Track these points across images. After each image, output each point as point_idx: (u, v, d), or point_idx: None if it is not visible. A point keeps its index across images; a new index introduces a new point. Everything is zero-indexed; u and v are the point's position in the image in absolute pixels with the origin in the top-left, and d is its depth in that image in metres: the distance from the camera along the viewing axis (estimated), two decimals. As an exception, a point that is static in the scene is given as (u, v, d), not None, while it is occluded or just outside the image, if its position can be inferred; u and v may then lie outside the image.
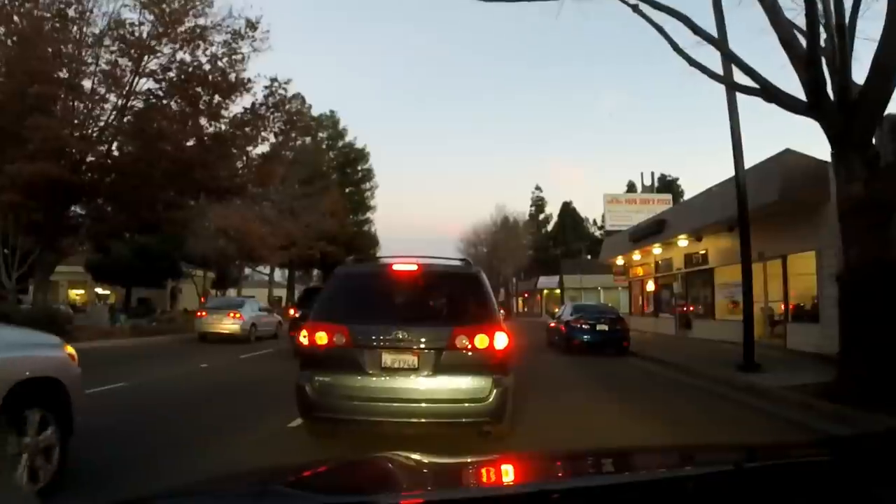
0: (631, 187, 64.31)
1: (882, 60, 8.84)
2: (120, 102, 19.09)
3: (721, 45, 11.66)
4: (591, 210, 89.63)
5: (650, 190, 45.35)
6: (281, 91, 20.78)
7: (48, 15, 17.94)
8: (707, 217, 19.60)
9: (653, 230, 25.65)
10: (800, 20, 10.30)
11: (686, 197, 39.75)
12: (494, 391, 5.81)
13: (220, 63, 19.46)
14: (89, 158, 18.98)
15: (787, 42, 9.88)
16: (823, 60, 9.70)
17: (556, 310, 26.80)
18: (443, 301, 6.72)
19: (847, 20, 9.48)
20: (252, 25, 19.34)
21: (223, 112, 20.37)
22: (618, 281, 36.48)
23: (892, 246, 9.01)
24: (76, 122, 17.98)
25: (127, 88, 18.82)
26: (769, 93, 10.23)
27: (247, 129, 20.88)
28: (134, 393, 10.07)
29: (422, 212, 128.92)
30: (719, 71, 12.06)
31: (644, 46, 56.66)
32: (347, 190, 52.23)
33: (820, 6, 9.52)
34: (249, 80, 20.11)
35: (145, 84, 19.35)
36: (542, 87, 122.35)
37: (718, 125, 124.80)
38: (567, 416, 8.47)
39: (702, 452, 2.58)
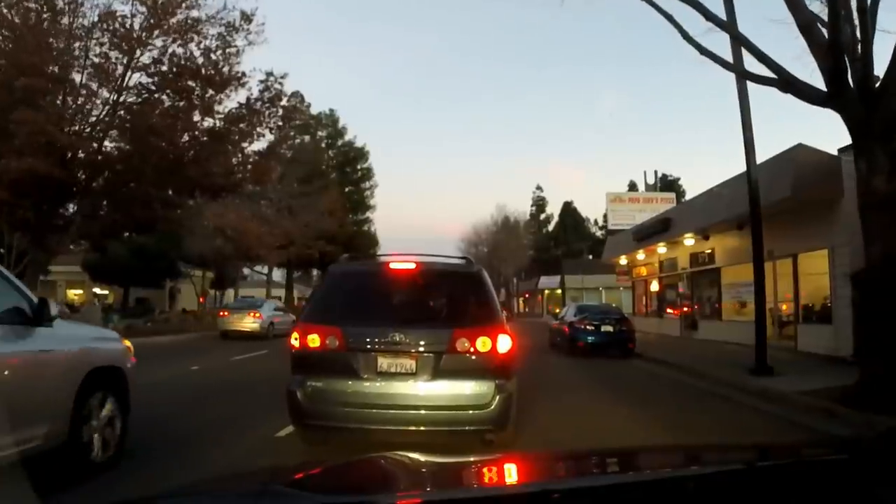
0: (632, 187, 63.89)
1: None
2: (112, 97, 18.65)
3: (734, 31, 11.16)
4: (592, 210, 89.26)
5: (652, 189, 44.84)
6: (277, 86, 20.37)
7: (36, 6, 17.49)
8: (715, 215, 19.12)
9: (657, 229, 25.17)
10: (814, 6, 9.87)
11: (688, 197, 39.28)
12: (497, 397, 5.51)
13: (213, 56, 19.02)
14: (80, 154, 18.53)
15: (806, 27, 9.38)
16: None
17: (559, 310, 26.33)
18: (442, 301, 6.42)
19: (869, 2, 8.97)
20: (247, 18, 18.95)
21: (217, 107, 19.95)
22: (621, 281, 35.97)
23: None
24: (66, 116, 17.52)
25: (118, 83, 18.37)
26: (785, 82, 9.73)
27: (241, 124, 20.42)
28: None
29: (422, 212, 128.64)
30: (729, 62, 11.58)
31: (644, 47, 56.31)
32: (347, 189, 51.76)
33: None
34: (244, 73, 19.72)
35: (137, 78, 18.93)
36: (543, 86, 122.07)
37: (719, 125, 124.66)
38: (574, 424, 8.05)
39: (704, 452, 2.58)
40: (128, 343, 6.08)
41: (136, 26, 17.98)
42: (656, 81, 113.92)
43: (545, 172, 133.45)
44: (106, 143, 19.43)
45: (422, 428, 5.54)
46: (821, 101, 9.51)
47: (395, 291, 6.39)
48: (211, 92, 19.51)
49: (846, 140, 14.67)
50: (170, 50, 18.58)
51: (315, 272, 52.35)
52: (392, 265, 6.40)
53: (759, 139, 12.85)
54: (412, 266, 6.27)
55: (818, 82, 9.68)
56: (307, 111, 42.38)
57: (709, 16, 10.51)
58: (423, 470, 1.92)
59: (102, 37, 17.96)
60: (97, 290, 43.25)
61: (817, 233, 15.34)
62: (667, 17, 10.89)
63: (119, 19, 17.72)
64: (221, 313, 24.97)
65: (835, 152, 15.81)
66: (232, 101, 20.34)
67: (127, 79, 18.58)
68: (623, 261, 32.24)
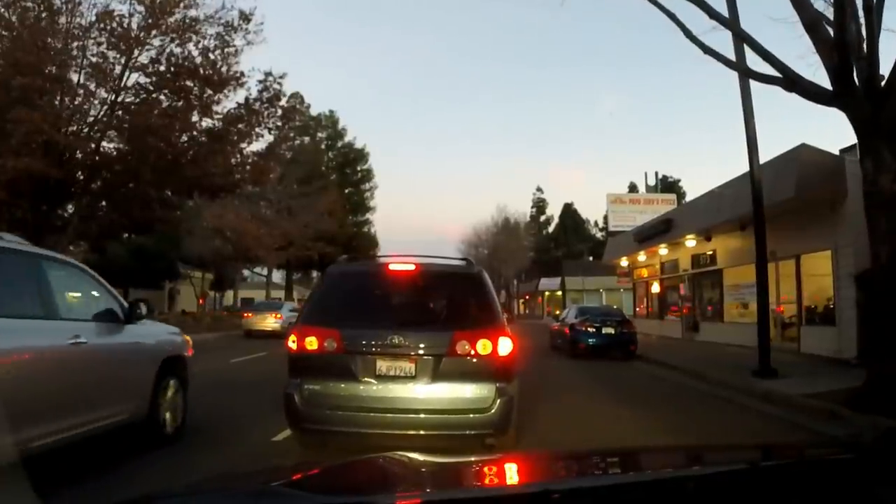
0: (633, 188, 63.81)
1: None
2: (109, 97, 18.54)
3: (738, 29, 11.05)
4: (592, 211, 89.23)
5: (653, 190, 44.68)
6: (275, 86, 20.27)
7: (33, 5, 17.40)
8: (718, 216, 18.99)
9: (659, 230, 25.03)
10: (818, 4, 9.75)
11: (688, 198, 39.20)
12: (498, 401, 5.42)
13: (212, 56, 18.93)
14: (77, 155, 18.41)
15: (812, 25, 9.26)
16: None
17: (559, 312, 26.19)
18: (442, 303, 6.35)
19: (875, 0, 8.85)
20: (245, 17, 18.87)
21: (215, 107, 19.85)
22: (622, 282, 35.84)
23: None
24: (63, 116, 17.41)
25: (116, 83, 18.26)
26: (790, 80, 9.60)
27: (240, 125, 20.31)
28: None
29: (422, 213, 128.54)
30: (733, 61, 11.46)
31: (645, 47, 56.23)
32: (347, 190, 51.73)
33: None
34: (242, 73, 19.62)
35: (135, 78, 18.82)
36: (543, 87, 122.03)
37: (720, 127, 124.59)
38: (575, 427, 7.95)
39: (705, 452, 2.58)
40: (187, 337, 7.35)
41: (134, 26, 17.91)
42: (656, 82, 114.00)
43: (545, 174, 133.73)
44: (104, 143, 19.36)
45: (421, 432, 5.45)
46: (826, 99, 9.39)
47: (395, 293, 6.32)
48: (209, 92, 19.42)
49: (848, 140, 14.53)
50: (168, 50, 18.53)
51: (315, 273, 52.24)
52: (391, 266, 6.32)
53: (761, 139, 12.77)
54: (412, 267, 6.18)
55: (822, 81, 9.59)
56: (306, 112, 42.43)
57: (712, 14, 10.39)
58: (423, 470, 1.92)
59: (100, 36, 17.88)
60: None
61: (820, 233, 15.22)
62: (669, 16, 10.78)
63: (117, 19, 17.64)
64: (246, 315, 27.50)
65: (837, 152, 15.80)
66: (230, 101, 20.32)
67: (125, 79, 18.51)
68: (624, 262, 32.11)
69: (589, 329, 18.00)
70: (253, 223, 31.28)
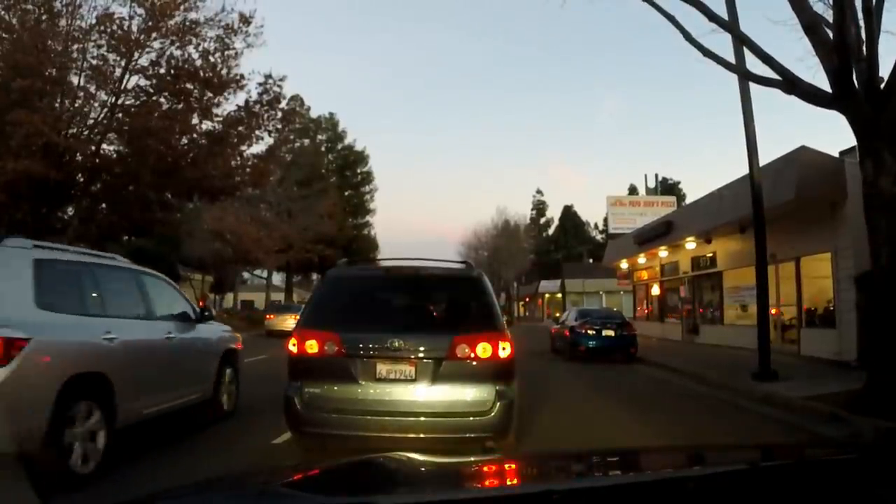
0: (633, 190, 63.89)
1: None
2: (109, 100, 18.53)
3: (737, 32, 11.06)
4: (592, 213, 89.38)
5: (653, 193, 44.69)
6: (275, 88, 20.23)
7: (34, 7, 17.39)
8: (718, 218, 18.99)
9: (659, 232, 25.02)
10: (817, 7, 9.77)
11: (688, 200, 39.17)
12: (498, 404, 5.43)
13: (212, 58, 18.88)
14: (77, 157, 18.39)
15: (811, 28, 9.26)
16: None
17: (559, 314, 26.18)
18: (442, 306, 6.41)
19: (874, 2, 8.85)
20: (245, 20, 18.81)
21: (215, 109, 19.81)
22: (622, 285, 35.82)
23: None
24: (63, 118, 17.38)
25: (116, 85, 18.24)
26: (789, 83, 9.60)
27: (240, 127, 20.28)
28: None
29: (422, 215, 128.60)
30: (732, 64, 11.47)
31: (645, 50, 56.25)
32: (346, 193, 51.68)
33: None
34: (242, 76, 19.57)
35: (135, 81, 18.79)
36: (543, 90, 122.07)
37: (719, 129, 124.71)
38: (575, 429, 7.96)
39: (704, 453, 2.57)
40: (237, 335, 9.13)
41: (134, 28, 17.85)
42: (656, 84, 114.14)
43: (545, 176, 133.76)
44: (104, 145, 19.29)
45: (421, 435, 5.44)
46: (826, 102, 9.39)
47: (395, 296, 6.34)
48: (209, 94, 19.37)
49: (847, 142, 14.53)
50: (168, 52, 18.46)
51: (314, 276, 52.23)
52: (391, 270, 6.39)
53: (760, 141, 12.77)
54: (411, 271, 6.20)
55: (821, 83, 9.60)
56: (306, 114, 42.38)
57: (711, 16, 10.40)
58: (423, 470, 1.93)
59: (100, 39, 17.83)
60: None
61: (820, 236, 15.22)
62: (669, 19, 10.79)
63: (117, 21, 17.59)
64: (269, 316, 30.05)
65: (837, 154, 15.80)
66: (230, 103, 20.23)
67: (125, 81, 18.45)
68: (624, 264, 32.09)
69: (589, 331, 17.97)
70: (253, 226, 31.31)
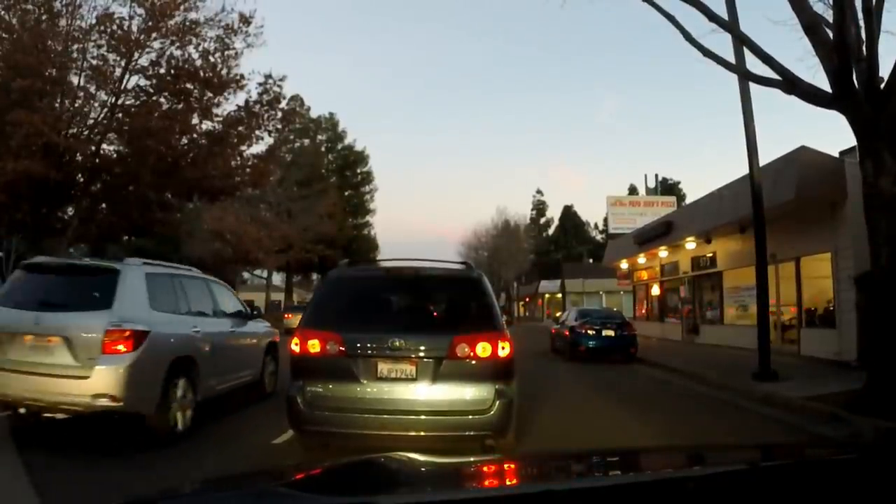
0: (633, 190, 63.87)
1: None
2: (109, 100, 18.53)
3: (737, 32, 11.06)
4: (592, 213, 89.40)
5: (653, 193, 44.65)
6: (275, 88, 20.23)
7: (34, 7, 17.40)
8: (718, 218, 18.98)
9: (659, 232, 25.00)
10: (817, 7, 9.77)
11: (688, 200, 39.14)
12: (497, 403, 5.50)
13: (212, 58, 18.89)
14: (77, 157, 18.39)
15: (811, 28, 9.25)
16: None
17: (559, 314, 26.15)
18: (442, 307, 6.47)
19: (874, 2, 8.85)
20: (245, 20, 18.82)
21: (215, 109, 19.82)
22: (622, 285, 35.79)
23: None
24: (63, 118, 17.38)
25: (116, 85, 18.24)
26: (789, 83, 9.60)
27: (240, 127, 20.28)
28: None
29: (422, 215, 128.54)
30: (732, 63, 11.47)
31: (645, 50, 56.26)
32: (346, 193, 51.71)
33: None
34: (242, 76, 19.58)
35: (135, 81, 18.79)
36: (543, 90, 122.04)
37: (719, 129, 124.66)
38: (575, 430, 7.95)
39: (704, 453, 2.58)
40: (276, 329, 10.87)
41: (134, 28, 17.87)
42: (656, 84, 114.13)
43: (545, 176, 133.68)
44: (104, 145, 19.29)
45: (422, 433, 5.50)
46: (826, 102, 9.39)
47: (395, 297, 6.42)
48: (209, 94, 19.38)
49: (847, 142, 14.52)
50: (168, 52, 18.48)
51: (314, 276, 52.20)
52: (392, 270, 6.49)
53: (760, 141, 12.76)
54: (412, 271, 6.26)
55: (821, 83, 9.60)
56: (306, 114, 42.39)
57: (711, 16, 10.40)
58: (423, 470, 1.93)
59: (100, 39, 17.84)
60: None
61: (820, 236, 15.22)
62: (669, 19, 10.79)
63: (117, 21, 17.60)
64: (286, 316, 30.74)
65: (837, 154, 15.80)
66: (230, 103, 20.24)
67: (125, 81, 18.47)
68: (624, 265, 32.06)
69: (589, 331, 17.96)
70: (253, 226, 31.32)
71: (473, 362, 5.55)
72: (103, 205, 21.45)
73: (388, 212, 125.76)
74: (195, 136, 20.16)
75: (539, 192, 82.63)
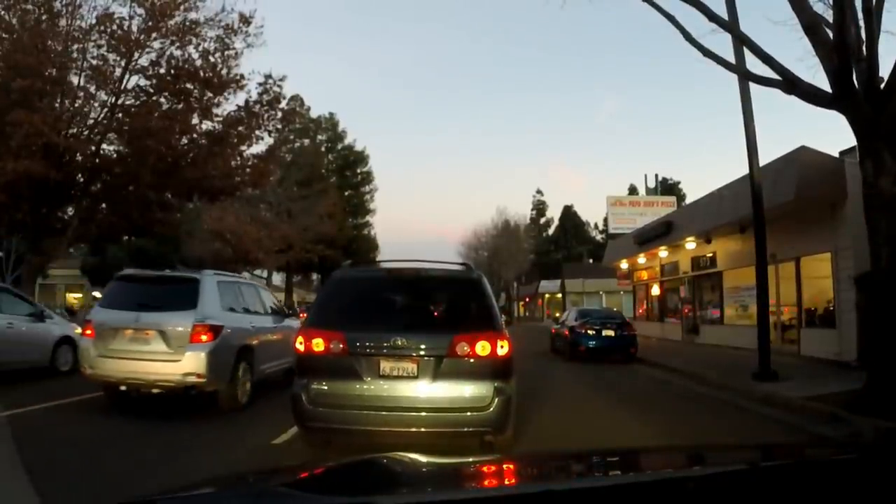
0: (633, 190, 63.86)
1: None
2: (109, 100, 18.49)
3: (737, 32, 11.06)
4: (592, 214, 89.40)
5: (653, 193, 44.66)
6: (275, 88, 20.17)
7: (34, 7, 17.37)
8: (718, 218, 18.99)
9: (659, 232, 25.01)
10: (817, 7, 9.77)
11: (688, 200, 39.13)
12: (496, 400, 5.64)
13: (212, 58, 18.83)
14: (77, 157, 18.36)
15: (811, 28, 9.26)
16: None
17: (559, 314, 26.15)
18: (443, 307, 6.58)
19: (874, 2, 8.85)
20: (245, 20, 18.73)
21: (215, 109, 19.75)
22: (622, 285, 35.79)
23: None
24: (63, 118, 17.34)
25: (116, 85, 18.20)
26: (789, 83, 9.60)
27: (240, 127, 20.22)
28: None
29: (422, 215, 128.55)
30: (732, 63, 11.46)
31: (645, 50, 56.24)
32: (346, 193, 51.70)
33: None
34: (242, 76, 19.50)
35: (135, 81, 18.74)
36: (543, 90, 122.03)
37: (719, 129, 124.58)
38: (576, 430, 7.96)
39: (704, 453, 2.58)
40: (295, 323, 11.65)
41: (134, 28, 17.78)
42: (656, 84, 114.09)
43: (545, 176, 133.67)
44: (104, 145, 19.20)
45: (423, 429, 5.62)
46: (826, 102, 9.39)
47: (397, 297, 6.56)
48: (209, 94, 19.29)
49: (847, 142, 14.52)
50: (168, 52, 18.36)
51: (315, 276, 52.18)
52: (393, 271, 6.65)
53: (760, 142, 12.77)
54: (413, 272, 6.40)
55: (821, 83, 9.61)
56: (306, 114, 42.37)
57: (712, 16, 10.41)
58: (423, 470, 1.93)
59: (100, 39, 17.75)
60: (97, 294, 43.14)
61: (820, 236, 15.22)
62: (669, 19, 10.80)
63: (117, 21, 17.53)
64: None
65: (837, 154, 15.80)
66: (230, 103, 20.15)
67: (125, 81, 18.38)
68: (624, 265, 32.07)
69: (589, 331, 17.97)
70: (253, 226, 31.31)
71: (473, 361, 5.66)
72: (103, 205, 21.39)
73: (388, 212, 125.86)
74: (195, 136, 20.09)
75: (539, 192, 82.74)
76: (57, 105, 17.60)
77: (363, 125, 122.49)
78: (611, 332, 17.94)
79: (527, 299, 74.64)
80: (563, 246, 75.49)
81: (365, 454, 2.00)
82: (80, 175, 19.36)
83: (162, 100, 19.21)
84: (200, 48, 18.88)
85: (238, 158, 21.66)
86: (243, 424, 7.77)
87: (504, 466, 2.12)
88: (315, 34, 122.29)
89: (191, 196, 22.82)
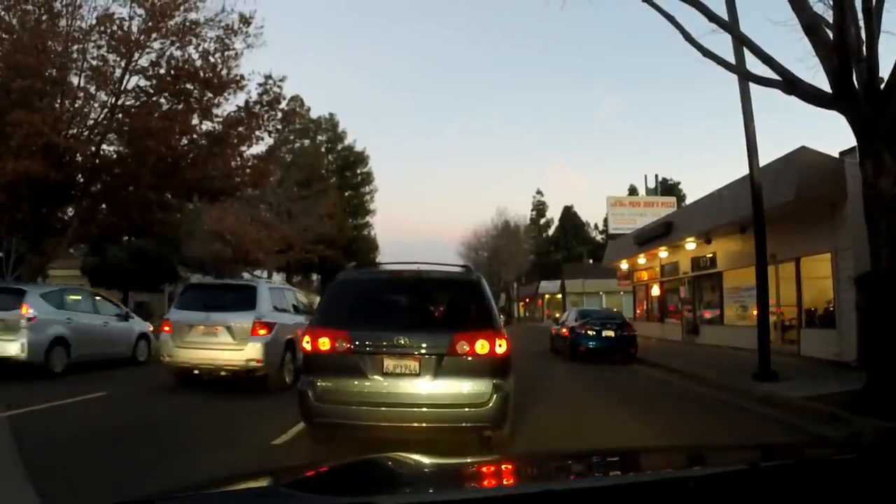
0: (633, 191, 63.84)
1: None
2: (109, 100, 18.48)
3: (737, 32, 11.06)
4: (592, 214, 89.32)
5: (653, 193, 44.67)
6: (276, 89, 20.14)
7: (34, 8, 17.37)
8: (718, 218, 18.99)
9: (659, 233, 25.01)
10: (817, 7, 9.77)
11: (688, 201, 39.14)
12: (495, 396, 5.85)
13: (212, 59, 18.81)
14: (77, 157, 18.35)
15: (811, 28, 9.25)
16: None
17: (559, 315, 26.15)
18: (443, 307, 6.80)
19: (874, 2, 8.85)
20: (245, 20, 18.70)
21: (215, 110, 19.73)
22: (622, 285, 35.80)
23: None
24: (63, 119, 17.34)
25: (116, 85, 18.20)
26: (789, 83, 9.60)
27: (240, 128, 20.21)
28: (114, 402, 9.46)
29: (422, 216, 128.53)
30: (732, 64, 11.46)
31: (644, 50, 56.23)
32: (346, 193, 51.64)
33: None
34: (242, 76, 19.48)
35: (135, 81, 18.73)
36: (543, 90, 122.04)
37: (719, 130, 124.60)
38: (576, 430, 7.98)
39: (704, 453, 2.58)
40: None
41: (135, 29, 17.76)
42: (656, 85, 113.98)
43: (545, 176, 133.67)
44: (104, 146, 19.18)
45: (424, 425, 5.83)
46: (826, 102, 9.39)
47: (400, 298, 6.78)
48: (209, 95, 19.26)
49: (847, 142, 14.51)
50: (168, 53, 18.33)
51: (315, 276, 52.13)
52: (396, 273, 6.95)
53: (760, 142, 12.77)
54: (415, 274, 6.72)
55: (821, 84, 9.60)
56: (306, 115, 42.34)
57: (711, 16, 10.40)
58: (424, 471, 1.93)
59: (100, 39, 17.73)
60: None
61: (820, 236, 15.22)
62: (668, 19, 10.80)
63: (117, 22, 17.51)
64: None
65: (837, 155, 15.80)
66: (230, 104, 20.12)
67: (125, 82, 18.36)
68: (624, 265, 32.07)
69: (589, 332, 17.97)
70: (253, 226, 31.24)
71: (472, 359, 5.86)
72: (103, 205, 21.37)
73: (389, 212, 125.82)
74: (195, 136, 20.08)
75: (539, 192, 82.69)
76: (57, 105, 17.58)
77: (363, 126, 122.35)
78: (611, 333, 17.94)
79: (527, 300, 74.65)
80: (563, 246, 75.47)
81: (365, 454, 2.00)
82: (80, 175, 19.35)
83: (162, 100, 19.20)
84: (200, 49, 18.87)
85: (238, 159, 21.64)
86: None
87: (504, 467, 2.13)
88: (315, 35, 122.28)
89: (191, 196, 22.80)
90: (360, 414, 5.85)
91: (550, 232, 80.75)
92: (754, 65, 10.94)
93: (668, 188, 60.32)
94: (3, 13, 17.30)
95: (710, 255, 22.16)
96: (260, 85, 20.17)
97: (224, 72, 19.26)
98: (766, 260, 12.79)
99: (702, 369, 14.19)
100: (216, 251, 30.66)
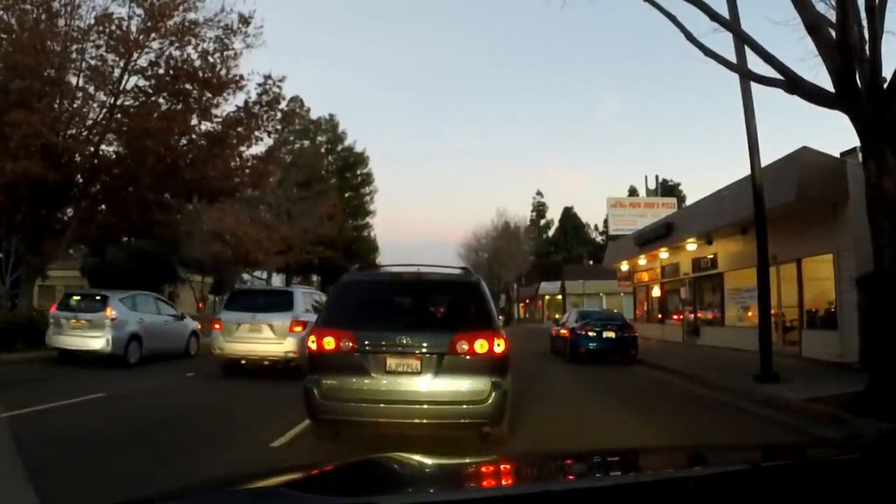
0: (633, 192, 63.84)
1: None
2: (108, 101, 18.44)
3: (739, 31, 11.01)
4: (592, 215, 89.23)
5: (653, 194, 44.65)
6: (275, 89, 20.11)
7: (32, 8, 17.33)
8: (719, 219, 18.95)
9: (660, 234, 24.97)
10: (820, 6, 9.73)
11: (689, 202, 39.12)
12: (493, 394, 6.03)
13: (211, 59, 18.78)
14: (76, 158, 18.31)
15: (814, 27, 9.21)
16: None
17: (559, 316, 26.09)
18: (444, 308, 7.05)
19: (877, 1, 8.81)
20: (245, 20, 18.67)
21: (214, 110, 19.70)
22: (622, 286, 35.74)
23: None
24: (62, 119, 17.30)
25: (115, 86, 18.16)
26: (792, 83, 9.56)
27: (239, 128, 20.17)
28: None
29: (422, 216, 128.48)
30: (734, 63, 11.41)
31: (645, 51, 56.19)
32: (346, 194, 51.64)
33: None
34: (242, 77, 19.45)
35: (134, 81, 18.69)
36: (543, 91, 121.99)
37: (719, 131, 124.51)
38: (576, 431, 7.92)
39: (704, 453, 2.59)
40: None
41: (133, 29, 17.74)
42: (657, 85, 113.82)
43: (545, 177, 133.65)
44: (103, 146, 19.14)
45: (424, 421, 6.03)
46: (829, 102, 9.35)
47: (402, 299, 7.01)
48: (208, 95, 19.24)
49: (849, 143, 14.43)
50: (167, 53, 18.30)
51: (314, 277, 52.08)
52: (397, 275, 7.13)
53: (762, 142, 12.72)
54: (416, 276, 6.98)
55: (824, 83, 9.55)
56: (306, 115, 42.31)
57: (713, 16, 10.36)
58: (424, 471, 1.94)
59: (99, 39, 17.71)
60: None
61: (822, 237, 15.17)
62: (670, 18, 10.76)
63: (116, 22, 17.49)
64: None
65: (838, 155, 15.75)
66: (230, 104, 20.09)
67: (124, 82, 18.33)
68: (624, 266, 32.03)
69: (589, 333, 17.91)
70: (252, 227, 31.19)
71: (471, 358, 6.06)
72: (102, 206, 21.34)
73: (389, 213, 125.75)
74: (194, 136, 20.05)
75: (539, 193, 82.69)
76: (56, 106, 17.55)
77: (363, 126, 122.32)
78: (611, 334, 17.88)
79: (527, 301, 74.59)
80: (563, 247, 75.47)
81: (365, 454, 1.98)
82: (79, 176, 19.32)
83: (161, 100, 19.17)
84: (199, 49, 18.84)
85: (237, 159, 21.60)
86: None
87: (504, 467, 2.13)
88: (314, 35, 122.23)
89: (190, 197, 22.77)
90: (364, 410, 6.04)
91: (550, 233, 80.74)
92: (756, 64, 10.93)
93: (668, 189, 60.29)
94: (1, 13, 17.26)
95: (711, 256, 22.11)
96: (259, 85, 20.16)
97: (223, 72, 19.24)
98: (767, 261, 12.73)
99: (702, 370, 14.13)
100: (216, 252, 30.63)
